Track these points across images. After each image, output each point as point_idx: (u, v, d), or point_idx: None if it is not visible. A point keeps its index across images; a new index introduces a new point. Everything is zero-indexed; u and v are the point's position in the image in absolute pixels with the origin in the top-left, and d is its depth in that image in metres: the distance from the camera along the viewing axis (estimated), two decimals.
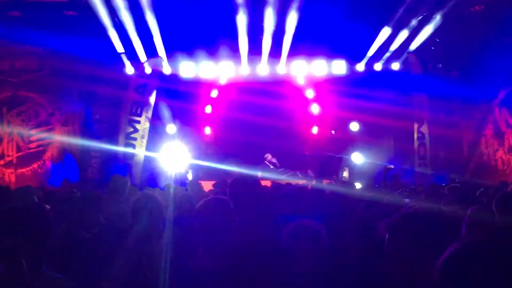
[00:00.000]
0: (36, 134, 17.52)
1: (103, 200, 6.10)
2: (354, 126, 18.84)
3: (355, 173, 18.01)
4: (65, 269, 3.81)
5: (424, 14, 15.64)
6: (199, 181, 12.25)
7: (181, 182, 15.64)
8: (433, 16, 15.70)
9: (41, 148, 17.56)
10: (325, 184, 13.17)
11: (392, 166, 17.61)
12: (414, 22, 15.87)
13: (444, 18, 15.54)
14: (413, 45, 17.01)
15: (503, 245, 2.20)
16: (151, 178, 16.95)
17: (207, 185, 11.34)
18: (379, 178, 16.71)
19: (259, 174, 17.38)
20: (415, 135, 18.35)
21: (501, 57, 16.63)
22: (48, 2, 16.11)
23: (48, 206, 5.94)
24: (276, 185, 8.56)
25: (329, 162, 18.48)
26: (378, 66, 18.03)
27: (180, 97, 18.41)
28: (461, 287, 2.18)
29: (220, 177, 12.47)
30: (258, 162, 18.58)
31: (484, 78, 16.50)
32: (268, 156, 18.70)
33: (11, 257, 3.28)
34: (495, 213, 5.21)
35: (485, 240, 2.29)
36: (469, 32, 16.83)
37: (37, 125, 17.60)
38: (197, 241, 4.11)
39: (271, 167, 18.36)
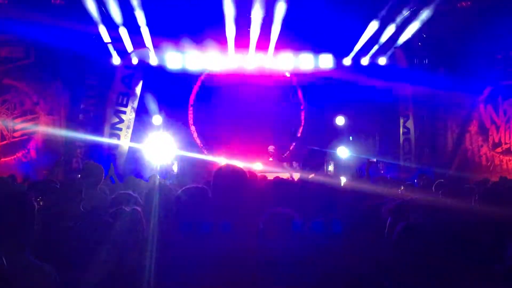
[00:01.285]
0: (20, 123, 17.41)
1: (82, 188, 6.08)
2: (340, 120, 18.85)
3: (340, 167, 18.02)
4: (47, 260, 3.78)
5: (411, 9, 15.67)
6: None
7: (166, 174, 15.65)
8: (421, 11, 15.73)
9: (25, 137, 17.46)
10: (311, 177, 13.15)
11: (374, 160, 17.65)
12: (401, 17, 15.90)
13: (432, 14, 15.58)
14: (400, 40, 17.04)
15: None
16: (136, 169, 16.89)
17: None
18: (361, 172, 16.75)
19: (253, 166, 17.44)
20: (401, 130, 18.40)
21: (487, 53, 16.76)
22: None
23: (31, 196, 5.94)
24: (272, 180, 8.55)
25: (315, 155, 18.51)
26: (365, 61, 18.07)
27: (166, 88, 18.37)
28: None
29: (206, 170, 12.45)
30: (243, 153, 18.52)
31: (470, 74, 16.59)
32: (271, 148, 18.56)
33: None
34: (478, 206, 5.32)
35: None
36: (456, 28, 16.90)
37: (22, 114, 17.49)
38: (177, 231, 4.12)
39: (270, 159, 18.28)
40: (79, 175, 8.92)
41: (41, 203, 5.87)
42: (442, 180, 10.05)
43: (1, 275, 3.26)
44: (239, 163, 16.52)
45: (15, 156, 17.32)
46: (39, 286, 3.53)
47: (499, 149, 17.35)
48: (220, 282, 3.66)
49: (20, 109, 17.46)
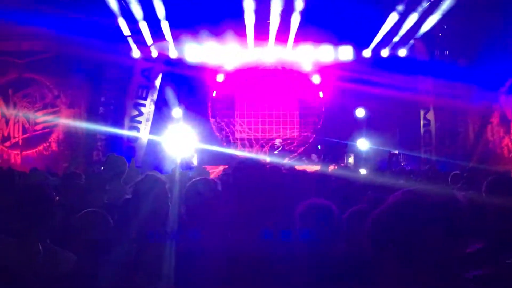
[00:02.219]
0: (42, 116, 17.55)
1: (106, 180, 6.12)
2: (360, 112, 18.79)
3: (361, 159, 17.97)
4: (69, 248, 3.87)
5: (431, 0, 15.57)
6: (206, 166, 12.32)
7: (186, 167, 15.68)
8: (441, 2, 15.63)
9: (47, 130, 17.61)
10: (330, 169, 13.16)
11: (396, 151, 17.61)
12: (421, 8, 15.79)
13: (452, 4, 15.47)
14: (420, 32, 16.94)
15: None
16: (156, 162, 16.94)
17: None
18: (383, 164, 16.69)
19: (267, 158, 17.46)
20: (421, 122, 18.31)
21: (508, 44, 16.58)
22: None
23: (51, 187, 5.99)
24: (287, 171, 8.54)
25: (335, 147, 18.49)
26: (385, 52, 17.97)
27: (186, 81, 18.43)
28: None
29: (226, 162, 12.45)
30: (262, 147, 18.57)
31: (491, 65, 16.43)
32: (278, 141, 18.60)
33: (19, 233, 3.36)
34: (485, 195, 5.28)
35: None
36: (477, 20, 16.76)
37: (43, 107, 17.63)
38: (195, 226, 4.13)
39: (276, 152, 18.30)
40: (102, 168, 8.97)
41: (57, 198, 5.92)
42: (458, 172, 10.02)
43: (35, 260, 3.36)
44: (257, 156, 16.66)
45: (37, 149, 17.46)
46: (61, 269, 3.62)
47: None
48: (237, 277, 3.67)
49: (41, 102, 17.60)
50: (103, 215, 4.47)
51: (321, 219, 3.86)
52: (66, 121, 17.62)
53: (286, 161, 17.85)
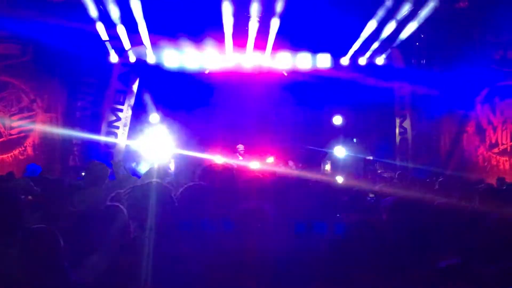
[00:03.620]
0: (17, 121, 17.40)
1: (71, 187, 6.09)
2: (337, 120, 18.88)
3: (337, 166, 18.05)
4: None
5: (409, 9, 15.68)
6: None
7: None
8: (418, 11, 15.76)
9: (22, 135, 17.45)
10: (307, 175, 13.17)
11: (371, 157, 17.73)
12: (399, 17, 15.91)
13: (429, 14, 15.60)
14: (398, 40, 17.06)
15: None
16: (132, 167, 16.88)
17: None
18: (359, 171, 16.79)
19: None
20: (397, 130, 18.44)
21: (485, 54, 16.79)
22: None
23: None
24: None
25: (311, 154, 18.54)
26: (362, 61, 18.06)
27: (164, 86, 18.39)
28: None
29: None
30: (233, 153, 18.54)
31: (467, 74, 16.62)
32: (240, 147, 18.62)
33: None
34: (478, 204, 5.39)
35: None
36: (454, 28, 16.95)
37: (19, 111, 17.47)
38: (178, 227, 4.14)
39: (240, 158, 18.33)
40: (83, 174, 8.93)
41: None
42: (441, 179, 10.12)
43: None
44: (235, 161, 16.67)
45: (12, 153, 17.30)
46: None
47: (496, 150, 17.38)
48: (218, 280, 3.69)
49: (17, 107, 17.44)
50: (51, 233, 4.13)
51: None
52: (42, 126, 17.49)
53: (254, 166, 17.91)
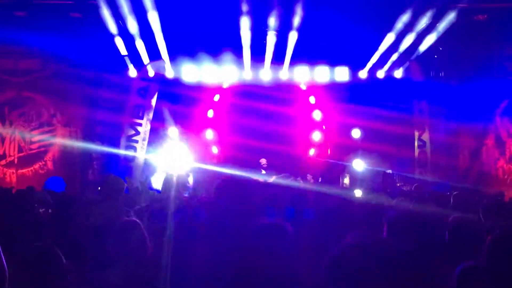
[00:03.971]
0: (38, 135, 17.55)
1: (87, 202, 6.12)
2: (356, 133, 18.85)
3: (356, 180, 18.00)
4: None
5: (427, 22, 15.66)
6: None
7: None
8: (437, 24, 15.74)
9: (42, 149, 17.60)
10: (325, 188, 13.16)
11: (389, 171, 17.65)
12: (417, 30, 15.89)
13: (448, 26, 15.58)
14: (416, 53, 17.02)
15: None
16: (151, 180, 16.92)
17: None
18: (378, 185, 16.71)
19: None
20: (416, 143, 18.35)
21: (503, 66, 16.71)
22: (54, 4, 16.16)
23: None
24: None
25: (330, 168, 18.50)
26: (380, 74, 18.03)
27: (182, 100, 18.48)
28: None
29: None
30: (258, 166, 18.55)
31: (486, 87, 16.55)
32: (263, 161, 18.64)
33: None
34: (482, 218, 5.36)
35: None
36: (472, 41, 16.89)
37: (39, 126, 17.63)
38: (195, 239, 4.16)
39: (263, 172, 18.35)
40: (99, 188, 8.99)
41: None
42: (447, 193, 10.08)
43: None
44: (253, 175, 16.71)
45: (32, 168, 17.45)
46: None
47: None
48: None
49: (38, 121, 17.61)
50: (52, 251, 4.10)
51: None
52: (62, 140, 17.63)
53: (273, 179, 17.93)
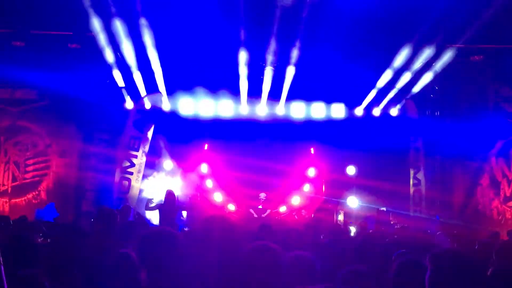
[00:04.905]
0: (32, 165, 17.51)
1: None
2: (351, 170, 18.85)
3: (350, 217, 17.97)
4: None
5: (424, 61, 15.78)
6: None
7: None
8: (433, 63, 15.86)
9: (36, 179, 17.54)
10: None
11: (384, 208, 17.62)
12: (414, 69, 16.00)
13: (444, 66, 15.70)
14: (412, 92, 17.12)
15: None
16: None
17: None
18: (372, 222, 16.67)
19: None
20: (411, 181, 18.34)
21: (499, 107, 16.81)
22: (53, 34, 16.26)
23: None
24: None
25: (325, 204, 18.45)
26: (376, 111, 18.10)
27: (178, 134, 18.45)
28: None
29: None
30: (253, 201, 18.55)
31: (481, 127, 16.61)
32: (262, 195, 18.65)
33: None
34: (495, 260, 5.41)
35: None
36: (468, 81, 17.03)
37: (34, 156, 17.60)
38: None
39: (260, 207, 18.36)
40: (92, 219, 8.96)
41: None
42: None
43: None
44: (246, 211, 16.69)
45: (26, 198, 17.37)
46: None
47: (510, 203, 17.26)
48: None
49: (33, 151, 17.58)
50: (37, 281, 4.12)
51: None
52: (56, 170, 17.60)
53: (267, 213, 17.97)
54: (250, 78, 16.66)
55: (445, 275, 3.45)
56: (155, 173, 18.29)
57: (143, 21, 14.65)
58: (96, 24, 14.69)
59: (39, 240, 7.21)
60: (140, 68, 16.36)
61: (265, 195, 18.59)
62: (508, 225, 16.50)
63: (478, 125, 16.67)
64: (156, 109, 17.98)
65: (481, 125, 16.68)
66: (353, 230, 13.94)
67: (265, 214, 18.10)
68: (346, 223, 17.43)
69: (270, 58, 15.81)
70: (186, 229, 13.09)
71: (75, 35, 16.12)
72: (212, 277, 4.04)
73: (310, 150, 19.41)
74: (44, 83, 16.60)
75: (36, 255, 4.02)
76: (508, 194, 17.31)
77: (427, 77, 16.40)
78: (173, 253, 4.23)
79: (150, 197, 15.83)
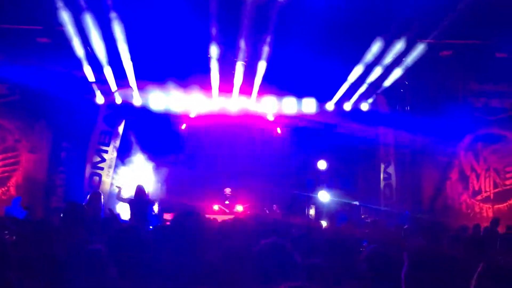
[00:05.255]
0: (1, 160, 17.32)
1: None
2: (322, 165, 18.92)
3: (321, 211, 18.06)
4: None
5: (394, 56, 15.87)
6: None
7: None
8: (403, 58, 15.97)
9: (5, 175, 17.35)
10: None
11: (357, 203, 17.75)
12: (384, 64, 16.10)
13: (414, 61, 15.82)
14: (382, 87, 17.23)
15: None
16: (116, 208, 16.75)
17: None
18: (343, 216, 16.77)
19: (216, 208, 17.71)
20: (382, 175, 18.47)
21: (468, 102, 16.99)
22: (22, 28, 16.07)
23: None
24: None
25: (296, 199, 18.52)
26: (347, 106, 18.19)
27: (149, 128, 18.37)
28: None
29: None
30: (221, 196, 18.59)
31: (451, 121, 16.77)
32: (227, 190, 18.70)
33: None
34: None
35: None
36: (438, 76, 17.17)
37: (3, 151, 17.40)
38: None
39: (226, 202, 18.41)
40: (61, 215, 8.89)
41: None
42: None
43: None
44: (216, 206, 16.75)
45: None
46: None
47: (479, 197, 17.47)
48: None
49: (2, 146, 17.38)
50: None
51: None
52: (26, 166, 17.43)
53: (240, 210, 18.00)
54: (221, 73, 16.63)
55: (421, 271, 3.51)
56: (126, 168, 18.20)
57: (113, 15, 14.52)
58: (65, 18, 14.54)
59: (6, 237, 7.14)
60: (110, 63, 16.24)
61: (230, 190, 18.64)
62: (476, 218, 16.70)
63: (447, 120, 16.81)
64: (127, 104, 17.88)
65: (450, 119, 16.82)
66: (324, 224, 13.98)
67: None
68: (318, 218, 17.52)
69: (241, 53, 15.80)
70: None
71: (45, 29, 15.93)
72: (186, 272, 4.05)
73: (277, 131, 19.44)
74: (14, 78, 16.43)
75: (4, 251, 3.97)
76: (476, 188, 17.53)
77: (397, 72, 16.50)
78: (141, 249, 4.24)
79: (120, 186, 15.71)
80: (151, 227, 11.93)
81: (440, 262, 3.59)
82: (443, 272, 3.49)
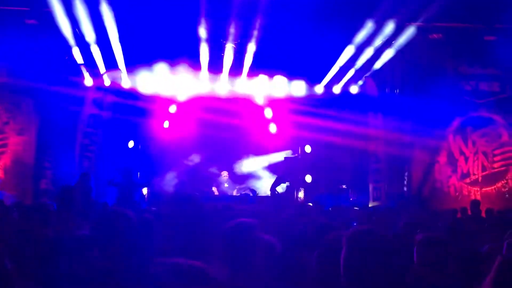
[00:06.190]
0: None
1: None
2: (308, 148, 18.92)
3: (310, 194, 18.09)
4: None
5: (383, 39, 15.86)
6: None
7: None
8: (393, 41, 15.96)
9: None
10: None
11: (344, 186, 17.80)
12: (373, 47, 16.09)
13: (404, 44, 15.82)
14: (372, 70, 17.23)
15: None
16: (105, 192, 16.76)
17: None
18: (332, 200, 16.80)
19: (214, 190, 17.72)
20: (371, 158, 18.51)
21: (457, 85, 17.01)
22: (9, 10, 15.94)
23: None
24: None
25: (285, 182, 18.54)
26: (336, 89, 18.19)
27: (138, 111, 18.30)
28: None
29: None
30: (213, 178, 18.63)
31: (440, 104, 16.79)
32: (224, 174, 18.76)
33: None
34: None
35: None
36: (427, 59, 17.18)
37: None
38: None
39: (226, 185, 18.46)
40: (55, 199, 8.88)
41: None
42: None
43: None
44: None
45: None
46: None
47: (467, 180, 17.53)
48: None
49: None
50: None
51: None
52: (14, 149, 17.32)
53: (234, 192, 18.04)
54: (211, 54, 16.59)
55: (360, 255, 3.50)
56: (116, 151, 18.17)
57: None
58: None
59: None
60: (99, 44, 16.16)
61: (226, 173, 18.70)
62: (464, 201, 16.74)
63: (437, 103, 16.83)
64: (115, 87, 17.81)
65: (439, 102, 16.84)
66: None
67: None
68: (306, 201, 17.55)
69: (230, 34, 15.75)
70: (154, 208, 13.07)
71: (33, 11, 15.81)
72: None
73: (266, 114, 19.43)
74: (1, 59, 16.32)
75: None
76: (465, 171, 17.59)
77: (387, 55, 16.51)
78: (127, 235, 4.21)
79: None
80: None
81: (376, 243, 3.57)
82: (379, 253, 3.49)
